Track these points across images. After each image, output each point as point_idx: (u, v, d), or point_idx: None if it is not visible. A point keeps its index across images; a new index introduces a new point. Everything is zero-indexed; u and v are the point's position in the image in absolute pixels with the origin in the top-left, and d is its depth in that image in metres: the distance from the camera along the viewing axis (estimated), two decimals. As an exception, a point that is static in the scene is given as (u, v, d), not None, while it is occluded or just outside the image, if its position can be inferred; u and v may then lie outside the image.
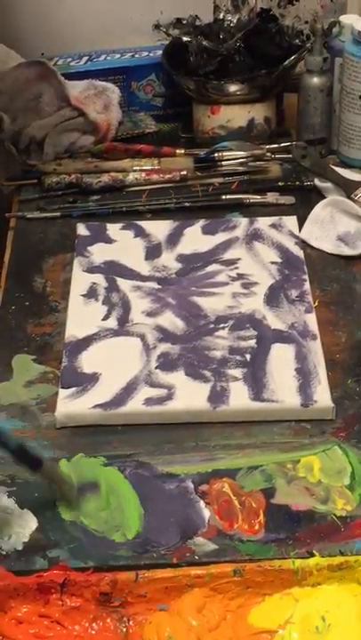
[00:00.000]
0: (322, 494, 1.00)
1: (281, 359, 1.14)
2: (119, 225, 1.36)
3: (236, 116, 1.49)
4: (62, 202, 1.42)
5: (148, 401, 1.09)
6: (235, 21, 1.53)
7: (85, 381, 1.12)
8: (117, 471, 1.03)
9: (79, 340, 1.17)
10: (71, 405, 1.09)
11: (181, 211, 1.40)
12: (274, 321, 1.19)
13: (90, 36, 1.61)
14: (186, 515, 0.98)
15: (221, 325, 1.19)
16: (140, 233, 1.34)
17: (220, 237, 1.33)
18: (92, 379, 1.12)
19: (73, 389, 1.11)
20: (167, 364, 1.14)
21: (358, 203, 1.36)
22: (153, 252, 1.31)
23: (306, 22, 1.57)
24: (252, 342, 1.16)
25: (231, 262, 1.28)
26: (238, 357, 1.14)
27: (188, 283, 1.26)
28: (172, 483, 1.02)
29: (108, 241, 1.33)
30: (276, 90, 1.51)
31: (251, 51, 1.53)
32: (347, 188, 1.39)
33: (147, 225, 1.36)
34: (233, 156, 1.44)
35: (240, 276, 1.26)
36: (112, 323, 1.20)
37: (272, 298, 1.22)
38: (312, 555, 0.94)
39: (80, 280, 1.26)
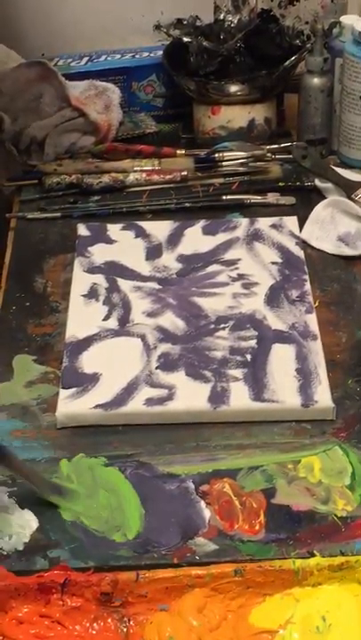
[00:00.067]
0: (322, 494, 1.00)
1: (281, 359, 1.14)
2: (120, 225, 1.36)
3: (236, 116, 1.49)
4: (63, 202, 1.42)
5: (149, 401, 1.09)
6: (235, 22, 1.53)
7: (86, 382, 1.12)
8: (118, 471, 1.03)
9: (80, 340, 1.17)
10: (72, 406, 1.09)
11: (182, 211, 1.40)
12: (274, 321, 1.19)
13: (90, 37, 1.61)
14: (186, 515, 0.98)
15: (222, 326, 1.19)
16: (141, 233, 1.34)
17: (221, 238, 1.33)
18: (93, 379, 1.12)
19: (73, 390, 1.11)
20: (168, 364, 1.14)
21: (359, 203, 1.36)
22: (153, 252, 1.31)
23: (306, 23, 1.57)
24: (253, 342, 1.16)
25: (232, 263, 1.28)
26: (239, 358, 1.14)
27: (188, 283, 1.26)
28: (172, 483, 1.02)
29: (109, 241, 1.34)
30: (277, 90, 1.51)
31: (251, 51, 1.53)
32: (347, 188, 1.39)
33: (147, 225, 1.36)
34: (233, 157, 1.44)
35: (241, 277, 1.26)
36: (113, 323, 1.20)
37: (273, 298, 1.22)
38: (313, 555, 0.94)
39: (81, 280, 1.26)
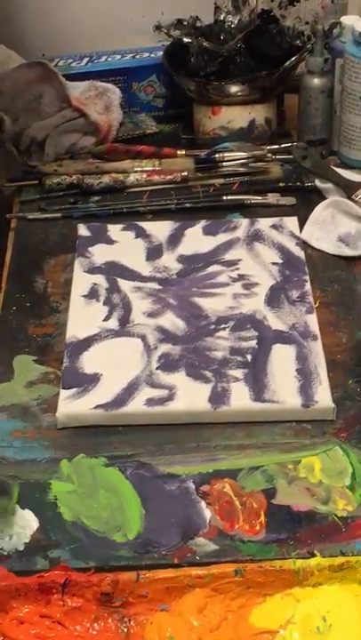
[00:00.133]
0: (323, 495, 1.00)
1: (282, 360, 1.14)
2: (120, 226, 1.36)
3: (236, 116, 1.49)
4: (63, 203, 1.42)
5: (149, 401, 1.09)
6: (235, 22, 1.53)
7: (86, 382, 1.12)
8: (118, 471, 1.03)
9: (80, 340, 1.17)
10: (72, 406, 1.09)
11: (182, 211, 1.40)
12: (275, 321, 1.19)
13: (90, 37, 1.61)
14: (187, 515, 0.98)
15: (222, 326, 1.19)
16: (141, 234, 1.34)
17: (221, 238, 1.33)
18: (93, 379, 1.12)
19: (74, 390, 1.11)
20: (168, 364, 1.14)
21: (359, 203, 1.36)
22: (154, 252, 1.31)
23: (307, 23, 1.57)
24: (253, 343, 1.16)
25: (232, 263, 1.28)
26: (239, 358, 1.14)
27: (188, 283, 1.26)
28: (173, 483, 1.02)
29: (109, 242, 1.34)
30: (277, 91, 1.51)
31: (251, 52, 1.53)
32: (347, 188, 1.39)
33: (147, 226, 1.36)
34: (234, 157, 1.44)
35: (241, 277, 1.26)
36: (113, 323, 1.20)
37: (273, 298, 1.23)
38: (313, 555, 0.94)
39: (81, 281, 1.26)
